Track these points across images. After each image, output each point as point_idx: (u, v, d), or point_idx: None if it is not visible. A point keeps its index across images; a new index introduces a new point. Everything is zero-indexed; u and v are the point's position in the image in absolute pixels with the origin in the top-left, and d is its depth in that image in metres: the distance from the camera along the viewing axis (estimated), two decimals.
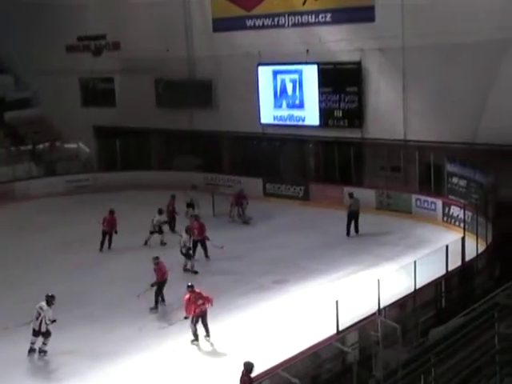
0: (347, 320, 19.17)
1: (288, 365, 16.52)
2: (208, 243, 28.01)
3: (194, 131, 42.06)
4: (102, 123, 45.10)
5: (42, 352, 20.34)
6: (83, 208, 36.98)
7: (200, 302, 20.45)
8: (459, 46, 31.48)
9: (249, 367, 16.07)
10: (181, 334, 21.09)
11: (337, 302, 18.76)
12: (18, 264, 28.71)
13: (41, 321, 20.04)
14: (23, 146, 45.07)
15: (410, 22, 33.18)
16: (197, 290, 20.72)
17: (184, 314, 21.08)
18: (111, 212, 30.57)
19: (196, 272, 26.51)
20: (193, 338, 20.60)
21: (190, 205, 34.03)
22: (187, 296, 20.68)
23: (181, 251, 26.74)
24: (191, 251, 27.14)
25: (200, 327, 20.61)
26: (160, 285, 23.27)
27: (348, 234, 30.55)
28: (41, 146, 45.63)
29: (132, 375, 19.00)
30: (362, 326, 18.80)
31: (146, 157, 44.03)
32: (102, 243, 30.20)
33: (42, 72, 45.70)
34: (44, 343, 20.30)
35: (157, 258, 23.56)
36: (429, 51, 32.59)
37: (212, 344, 20.55)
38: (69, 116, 45.49)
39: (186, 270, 26.75)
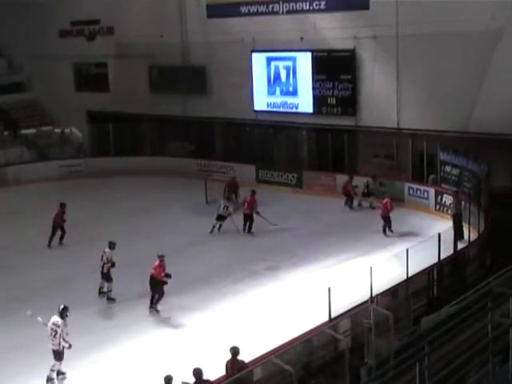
0: (339, 307, 19.23)
1: (280, 352, 16.55)
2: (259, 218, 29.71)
3: (187, 117, 41.99)
4: (95, 108, 45.04)
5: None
6: (76, 193, 36.92)
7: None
8: (453, 35, 31.46)
9: (235, 352, 16.12)
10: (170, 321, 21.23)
11: (329, 289, 18.83)
12: (9, 249, 28.59)
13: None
14: (16, 130, 44.97)
15: (404, 11, 33.12)
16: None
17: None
18: (62, 205, 29.55)
19: (113, 299, 23.04)
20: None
21: (368, 194, 33.25)
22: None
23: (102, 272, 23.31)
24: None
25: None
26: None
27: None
28: (33, 131, 45.49)
29: (122, 361, 19.05)
30: (355, 314, 18.84)
31: (139, 142, 44.04)
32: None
33: (35, 56, 45.67)
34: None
35: (162, 255, 22.23)
36: (422, 40, 32.58)
37: (204, 330, 20.61)
38: (62, 100, 45.47)
39: (101, 292, 23.62)
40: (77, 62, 47.30)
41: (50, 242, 29.02)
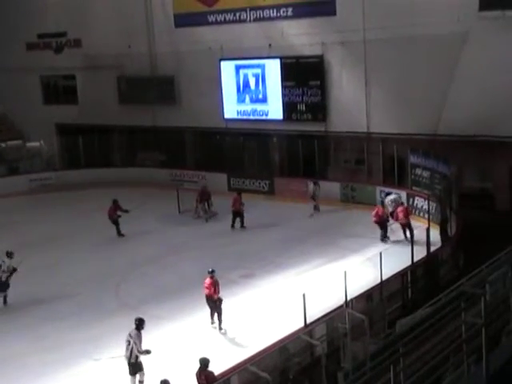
0: (315, 313, 19.27)
1: (256, 359, 16.55)
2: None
3: (157, 127, 41.96)
4: (65, 121, 44.83)
5: None
6: (48, 207, 36.74)
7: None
8: (420, 39, 31.71)
9: (204, 363, 16.11)
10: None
11: (304, 295, 18.84)
12: None
13: None
14: None
15: (370, 16, 33.36)
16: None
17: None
18: (114, 202, 31.30)
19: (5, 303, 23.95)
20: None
21: None
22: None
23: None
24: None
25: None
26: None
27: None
28: (2, 145, 45.16)
29: (99, 374, 18.90)
30: (330, 319, 18.88)
31: (110, 154, 43.91)
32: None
33: (2, 70, 45.37)
34: None
35: (212, 271, 21.58)
36: (390, 44, 32.80)
37: (179, 340, 20.51)
38: (30, 114, 45.22)
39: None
40: (44, 75, 47.13)
41: (119, 233, 31.06)
